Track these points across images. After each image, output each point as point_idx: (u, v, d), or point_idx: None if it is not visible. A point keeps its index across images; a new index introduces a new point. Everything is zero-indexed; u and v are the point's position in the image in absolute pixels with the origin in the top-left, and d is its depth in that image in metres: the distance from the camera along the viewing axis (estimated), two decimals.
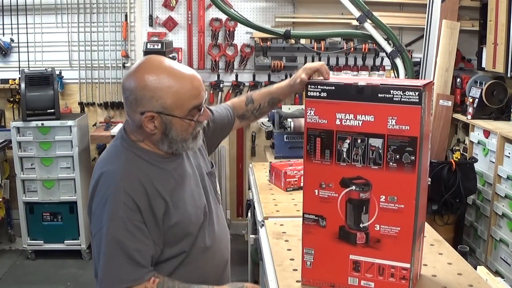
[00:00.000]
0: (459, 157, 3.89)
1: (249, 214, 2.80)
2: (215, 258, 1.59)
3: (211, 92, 4.35)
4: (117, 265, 1.37)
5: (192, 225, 1.50)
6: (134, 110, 1.41)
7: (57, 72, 4.11)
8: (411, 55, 4.19)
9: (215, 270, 1.60)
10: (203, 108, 1.47)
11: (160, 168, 1.46)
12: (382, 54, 4.13)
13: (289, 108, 3.64)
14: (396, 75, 3.37)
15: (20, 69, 4.15)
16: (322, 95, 1.44)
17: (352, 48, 4.13)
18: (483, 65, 4.08)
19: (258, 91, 1.90)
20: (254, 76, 4.39)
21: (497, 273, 3.39)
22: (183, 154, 1.54)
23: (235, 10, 3.47)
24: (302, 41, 4.04)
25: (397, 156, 1.37)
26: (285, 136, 3.39)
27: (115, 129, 3.98)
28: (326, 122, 1.44)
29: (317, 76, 1.60)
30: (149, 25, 4.28)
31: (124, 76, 1.47)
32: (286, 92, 1.80)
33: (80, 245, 4.06)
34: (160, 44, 3.75)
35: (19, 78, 4.00)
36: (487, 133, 3.67)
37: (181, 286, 1.45)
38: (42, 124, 3.89)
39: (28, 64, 4.25)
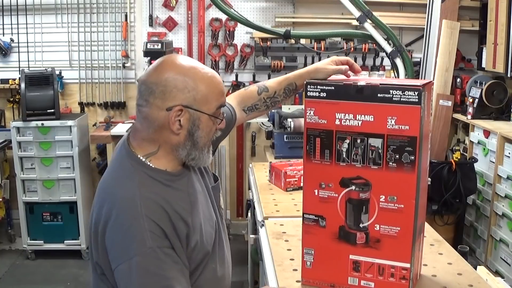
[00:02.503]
0: (459, 157, 3.89)
1: (249, 214, 2.79)
2: (225, 278, 1.50)
3: None
4: None
5: (208, 245, 1.41)
6: (159, 106, 1.30)
7: (57, 72, 4.12)
8: (411, 55, 4.19)
9: None
10: (223, 114, 1.39)
11: (174, 189, 1.36)
12: (382, 54, 4.13)
13: (289, 108, 3.64)
14: (396, 75, 3.36)
15: (20, 69, 4.15)
16: (321, 95, 1.44)
17: (352, 48, 4.14)
18: (483, 65, 4.08)
19: (272, 79, 1.82)
20: (254, 76, 4.39)
21: (497, 273, 3.39)
22: (190, 170, 1.45)
23: (235, 10, 3.47)
24: (302, 41, 4.04)
25: (397, 156, 1.37)
26: (285, 136, 3.39)
27: (115, 129, 3.98)
28: (325, 122, 1.44)
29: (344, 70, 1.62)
30: (149, 25, 4.28)
31: (144, 75, 1.36)
32: (305, 79, 1.63)
33: (80, 245, 4.06)
34: (160, 44, 3.75)
35: (19, 78, 4.00)
36: (487, 133, 3.67)
37: None
38: (42, 124, 3.89)
39: (28, 64, 4.25)
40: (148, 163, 1.35)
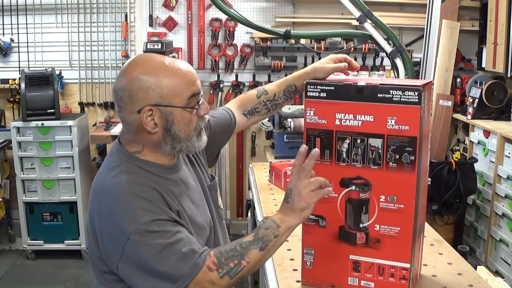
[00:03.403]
0: (459, 157, 3.89)
1: (249, 214, 2.79)
2: None
3: (211, 92, 4.35)
4: (169, 267, 1.23)
5: (200, 238, 1.39)
6: (130, 110, 1.32)
7: (57, 72, 4.12)
8: (411, 55, 4.19)
9: None
10: (201, 101, 1.38)
11: (165, 179, 1.37)
12: (382, 54, 4.13)
13: (289, 108, 3.63)
14: (396, 75, 3.36)
15: (20, 69, 4.15)
16: (321, 95, 1.44)
17: (352, 48, 4.13)
18: (483, 65, 4.08)
19: (271, 82, 1.81)
20: (254, 76, 4.39)
21: (497, 273, 3.39)
22: (183, 166, 1.46)
23: (235, 10, 3.47)
24: (302, 41, 4.04)
25: (397, 156, 1.37)
26: (285, 136, 3.39)
27: (115, 129, 3.98)
28: (325, 122, 1.44)
29: (343, 67, 1.61)
30: (149, 25, 4.28)
31: (115, 81, 1.38)
32: (305, 79, 1.60)
33: (80, 245, 4.06)
34: (160, 44, 3.74)
35: (19, 78, 4.00)
36: (487, 133, 3.67)
37: (233, 244, 1.32)
38: (42, 124, 3.89)
39: (28, 64, 4.25)
40: (138, 157, 1.38)
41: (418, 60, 4.25)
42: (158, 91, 1.31)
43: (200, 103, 1.38)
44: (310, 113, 1.45)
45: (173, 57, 3.95)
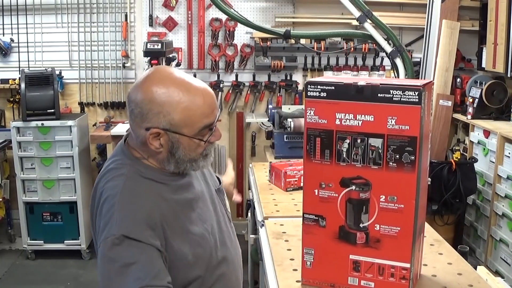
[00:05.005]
0: (459, 157, 3.89)
1: (249, 214, 2.79)
2: (231, 281, 1.51)
3: None
4: (116, 285, 1.22)
5: (199, 247, 1.38)
6: (139, 125, 1.30)
7: (57, 72, 4.11)
8: (411, 55, 4.19)
9: None
10: (215, 128, 1.36)
11: (167, 185, 1.35)
12: (382, 54, 4.13)
13: (289, 108, 3.63)
14: (396, 75, 3.36)
15: (20, 69, 4.15)
16: (322, 95, 1.44)
17: (352, 48, 4.14)
18: (483, 65, 4.08)
19: None
20: (254, 76, 4.39)
21: (497, 273, 3.39)
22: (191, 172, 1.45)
23: (235, 10, 3.46)
24: (302, 41, 4.04)
25: (397, 156, 1.37)
26: (285, 136, 3.39)
27: (115, 129, 3.98)
28: (326, 122, 1.44)
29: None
30: (149, 25, 4.28)
31: (131, 87, 1.34)
32: None
33: (80, 245, 4.06)
34: (160, 44, 3.74)
35: (19, 78, 4.00)
36: (487, 133, 3.67)
37: None
38: (42, 124, 3.89)
39: (28, 64, 4.25)
40: (142, 161, 1.37)
41: (418, 60, 4.25)
42: (169, 118, 1.28)
43: (213, 130, 1.36)
44: (310, 113, 1.45)
45: (173, 57, 3.98)
